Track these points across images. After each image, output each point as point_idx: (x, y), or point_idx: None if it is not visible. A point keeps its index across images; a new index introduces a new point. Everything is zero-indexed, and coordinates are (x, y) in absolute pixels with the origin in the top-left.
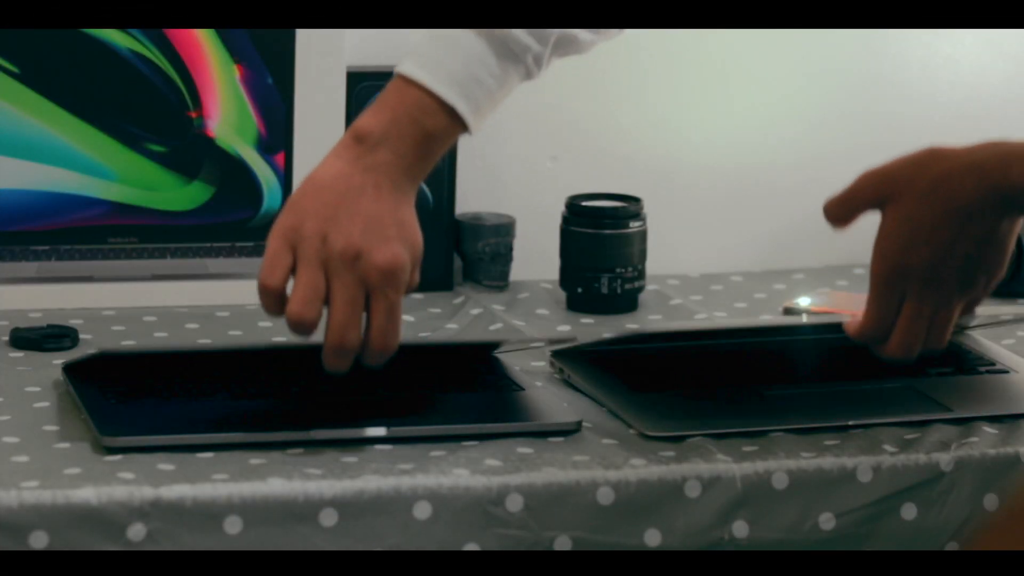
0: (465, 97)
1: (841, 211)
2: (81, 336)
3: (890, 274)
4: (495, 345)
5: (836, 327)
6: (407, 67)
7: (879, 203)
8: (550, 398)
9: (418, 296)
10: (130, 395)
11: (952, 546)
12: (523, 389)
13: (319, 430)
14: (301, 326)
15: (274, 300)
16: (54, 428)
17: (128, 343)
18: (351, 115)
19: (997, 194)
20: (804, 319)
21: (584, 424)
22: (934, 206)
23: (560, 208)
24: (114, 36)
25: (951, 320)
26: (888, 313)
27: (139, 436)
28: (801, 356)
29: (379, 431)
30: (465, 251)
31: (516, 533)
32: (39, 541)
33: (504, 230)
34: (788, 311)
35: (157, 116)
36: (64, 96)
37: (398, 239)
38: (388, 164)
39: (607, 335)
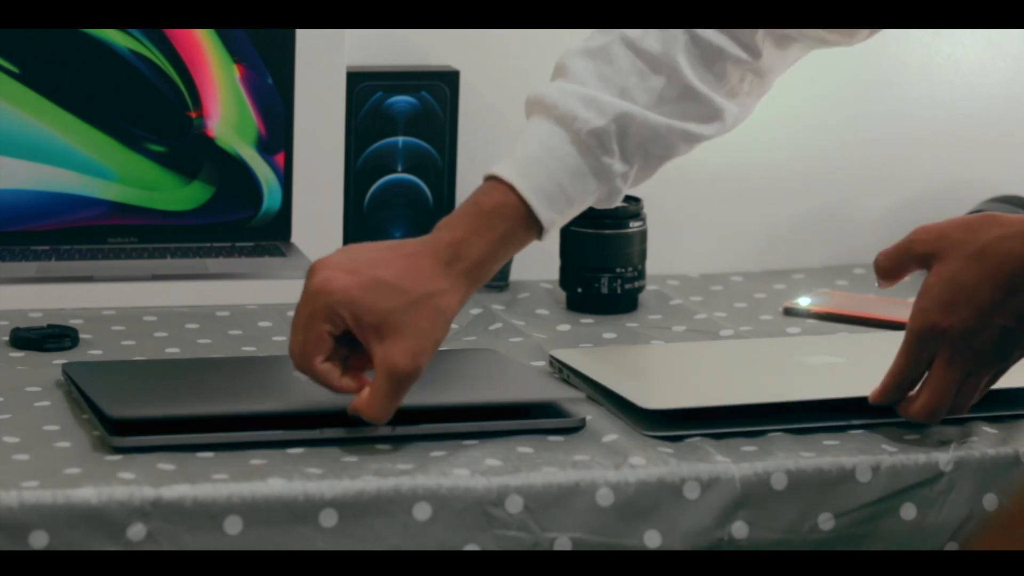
0: (552, 209)
1: (891, 265)
2: (81, 336)
3: (925, 331)
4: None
5: (862, 401)
6: (504, 170)
7: (928, 259)
8: (551, 397)
9: None
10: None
11: (952, 546)
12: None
13: (320, 429)
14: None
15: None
16: (54, 428)
17: (128, 343)
18: (351, 115)
19: None
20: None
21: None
22: (980, 271)
23: None
24: (114, 36)
25: (979, 388)
26: (916, 369)
27: (147, 436)
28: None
29: (380, 430)
30: None
31: (516, 534)
32: (39, 541)
33: None
34: (788, 311)
35: (157, 116)
36: (64, 96)
37: (359, 274)
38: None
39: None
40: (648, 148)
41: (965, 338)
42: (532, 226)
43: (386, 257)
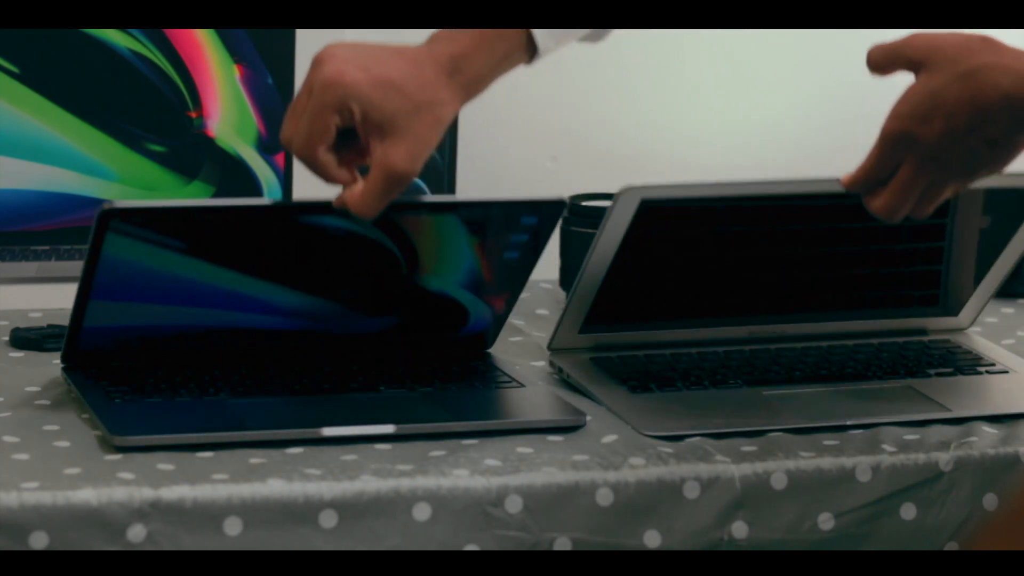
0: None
1: (882, 60)
2: None
3: (897, 136)
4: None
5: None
6: None
7: (917, 66)
8: (553, 395)
9: None
10: (134, 394)
11: (951, 546)
12: (523, 386)
13: (321, 427)
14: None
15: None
16: (54, 428)
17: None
18: None
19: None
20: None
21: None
22: (962, 92)
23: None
24: (114, 36)
25: (940, 196)
26: (883, 169)
27: (150, 435)
28: (801, 356)
29: (382, 429)
30: None
31: (515, 534)
32: (39, 541)
33: None
34: None
35: (157, 116)
36: (64, 96)
37: (369, 71)
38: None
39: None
40: None
41: (935, 150)
42: (527, 50)
43: (392, 59)
